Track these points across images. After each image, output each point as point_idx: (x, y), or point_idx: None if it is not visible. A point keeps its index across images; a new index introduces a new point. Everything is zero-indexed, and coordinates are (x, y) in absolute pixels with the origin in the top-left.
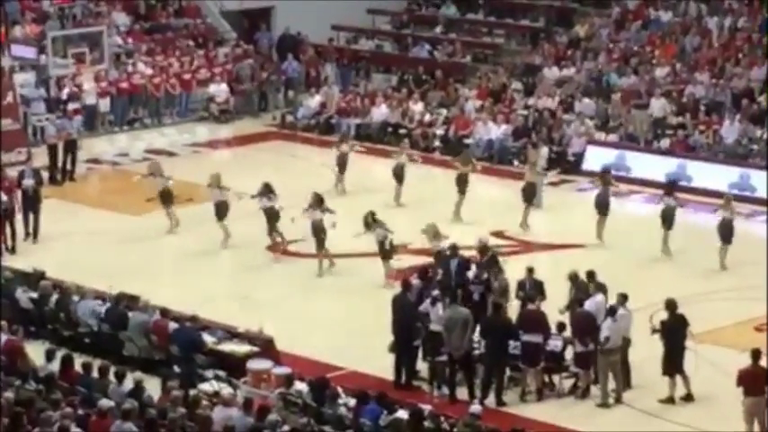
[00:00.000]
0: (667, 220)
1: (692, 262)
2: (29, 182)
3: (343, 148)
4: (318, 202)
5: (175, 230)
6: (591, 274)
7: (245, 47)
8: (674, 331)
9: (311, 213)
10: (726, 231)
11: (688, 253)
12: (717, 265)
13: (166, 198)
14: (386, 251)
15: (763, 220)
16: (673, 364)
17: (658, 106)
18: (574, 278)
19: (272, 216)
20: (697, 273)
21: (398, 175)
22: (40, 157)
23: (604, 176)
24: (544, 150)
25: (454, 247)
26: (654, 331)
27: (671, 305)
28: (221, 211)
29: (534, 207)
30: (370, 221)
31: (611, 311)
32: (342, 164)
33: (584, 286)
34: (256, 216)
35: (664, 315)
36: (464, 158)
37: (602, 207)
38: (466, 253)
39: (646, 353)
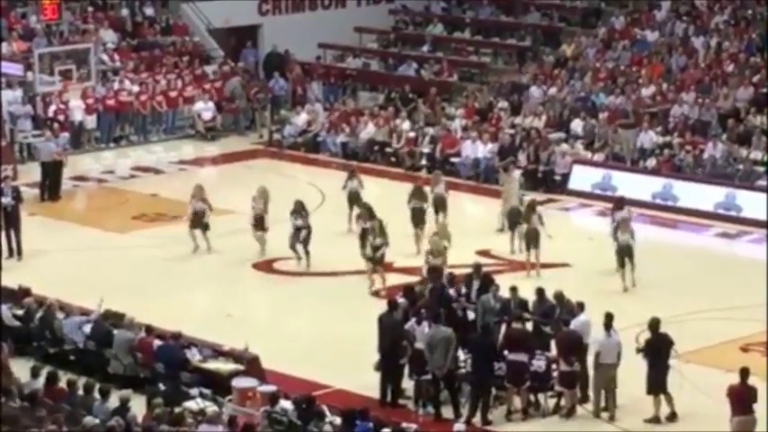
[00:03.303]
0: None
1: (676, 282)
2: (7, 200)
3: (353, 184)
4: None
5: (204, 252)
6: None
7: (231, 64)
8: (657, 350)
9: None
10: (625, 254)
11: (673, 273)
12: (702, 284)
13: (196, 222)
14: (376, 258)
15: (748, 240)
16: (657, 383)
17: (647, 139)
18: (559, 297)
19: (309, 235)
20: (682, 293)
21: (441, 204)
22: (28, 175)
23: (528, 212)
24: (516, 173)
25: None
26: (638, 351)
27: (654, 324)
28: (259, 222)
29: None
30: (377, 228)
31: (607, 327)
32: (352, 201)
33: (569, 306)
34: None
35: (648, 335)
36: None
37: (530, 239)
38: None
39: (630, 372)
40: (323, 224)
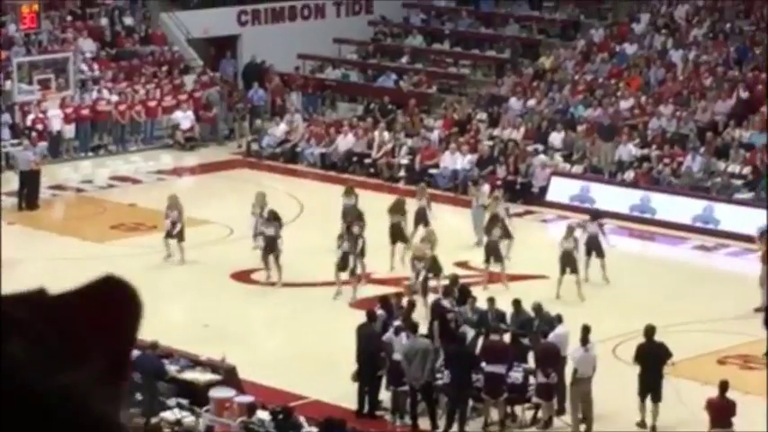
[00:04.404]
0: (594, 248)
1: (654, 294)
2: None
3: (350, 200)
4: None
5: (175, 262)
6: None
7: (211, 74)
8: (650, 357)
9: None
10: (565, 262)
11: (651, 285)
12: (679, 296)
13: (173, 231)
14: (343, 264)
15: (725, 253)
16: (647, 388)
17: (625, 151)
18: (537, 309)
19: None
20: (659, 305)
21: (421, 218)
22: (6, 184)
23: (491, 225)
24: (485, 188)
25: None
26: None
27: (648, 332)
28: (271, 245)
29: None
30: (344, 234)
31: (583, 341)
32: (348, 217)
33: (547, 317)
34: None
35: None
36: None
37: (490, 252)
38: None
39: (607, 385)
40: (301, 235)
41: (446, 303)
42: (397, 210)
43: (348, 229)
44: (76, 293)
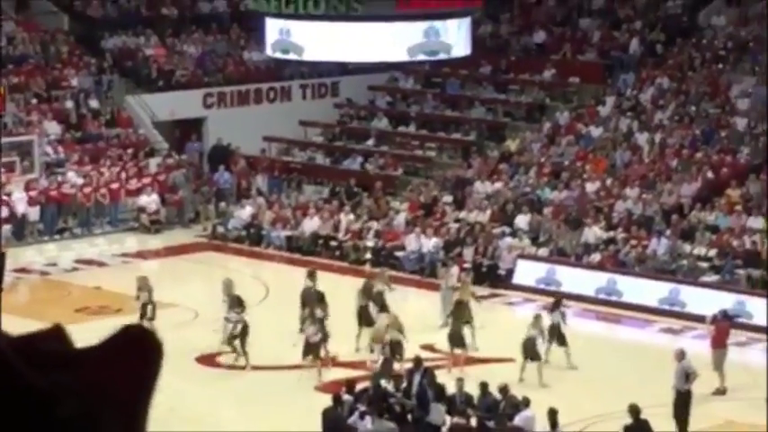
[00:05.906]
0: (556, 337)
1: (620, 377)
2: None
3: (308, 282)
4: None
5: None
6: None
7: (176, 157)
8: None
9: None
10: (527, 350)
11: (617, 368)
12: (646, 379)
13: (145, 311)
14: (307, 349)
15: (692, 336)
16: None
17: (591, 234)
18: (504, 391)
19: (244, 330)
20: (626, 388)
21: (377, 301)
22: None
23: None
24: (454, 269)
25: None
26: None
27: (634, 410)
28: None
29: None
30: (307, 318)
31: (552, 425)
32: (307, 300)
33: (513, 400)
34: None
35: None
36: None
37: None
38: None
39: None
40: (267, 318)
41: (389, 388)
42: (365, 293)
43: (311, 313)
44: (101, 350)
